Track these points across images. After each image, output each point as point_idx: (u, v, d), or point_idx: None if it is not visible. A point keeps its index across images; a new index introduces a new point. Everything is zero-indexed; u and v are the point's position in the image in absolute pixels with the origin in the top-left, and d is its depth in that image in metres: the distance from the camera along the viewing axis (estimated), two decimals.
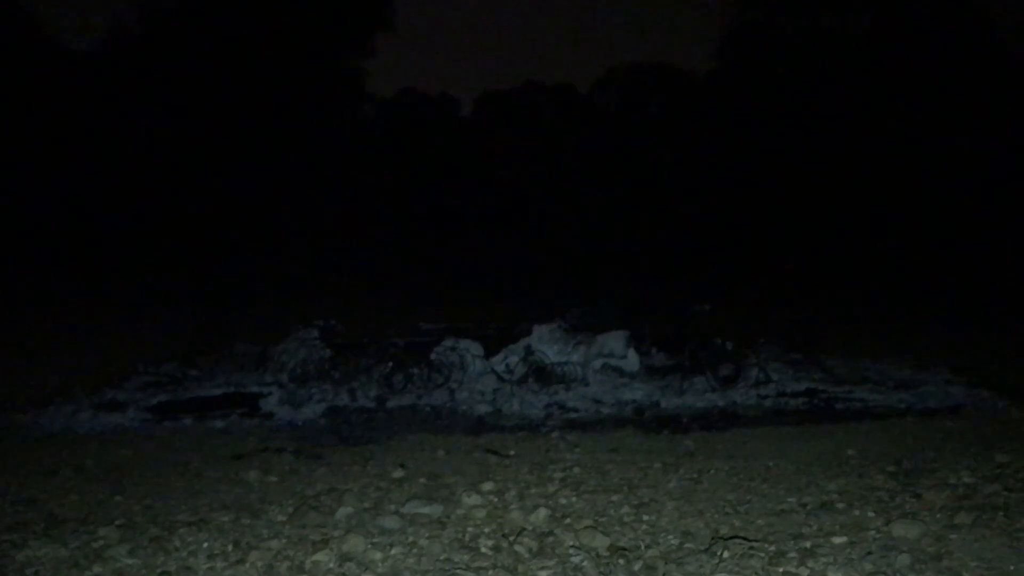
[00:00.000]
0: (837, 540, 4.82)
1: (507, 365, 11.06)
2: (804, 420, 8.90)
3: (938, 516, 5.21)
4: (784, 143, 30.61)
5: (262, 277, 22.89)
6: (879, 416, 9.02)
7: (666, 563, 4.60)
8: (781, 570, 4.46)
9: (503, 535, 5.06)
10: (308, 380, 10.85)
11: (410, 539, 5.02)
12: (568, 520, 5.33)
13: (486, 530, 5.18)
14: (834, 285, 22.24)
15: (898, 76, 29.37)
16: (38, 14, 29.77)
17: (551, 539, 4.98)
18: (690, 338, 11.48)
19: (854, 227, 27.93)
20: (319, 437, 8.35)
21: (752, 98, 32.23)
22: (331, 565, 4.65)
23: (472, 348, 11.21)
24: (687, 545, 4.85)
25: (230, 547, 4.92)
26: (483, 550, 4.84)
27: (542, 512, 5.39)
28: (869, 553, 4.61)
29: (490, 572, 4.57)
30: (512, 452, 7.39)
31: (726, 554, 4.63)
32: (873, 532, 4.95)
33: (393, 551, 4.83)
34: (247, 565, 4.65)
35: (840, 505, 5.51)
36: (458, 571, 4.56)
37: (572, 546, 4.84)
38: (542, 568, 4.58)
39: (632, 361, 11.20)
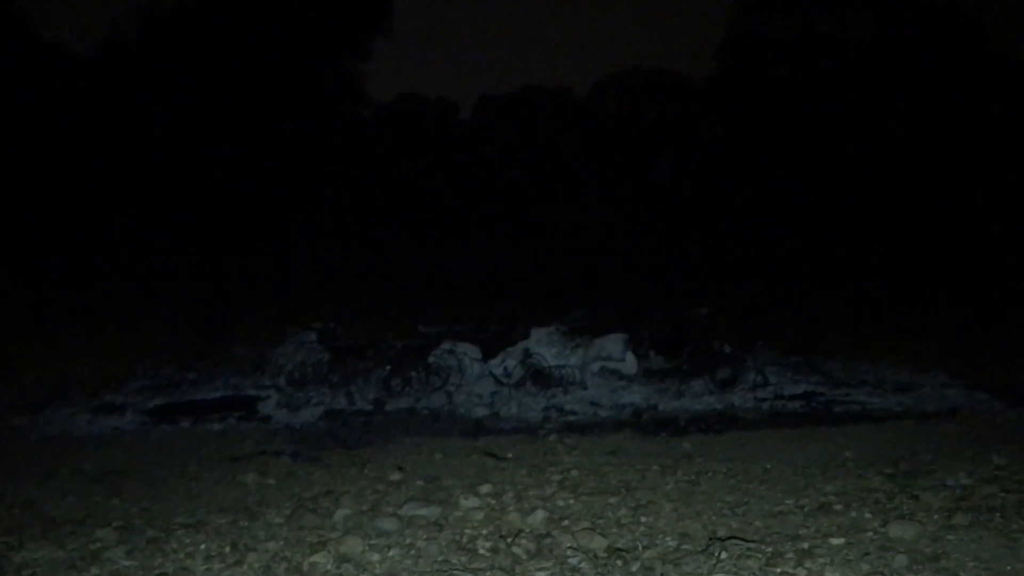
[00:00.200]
0: (834, 541, 4.83)
1: (505, 368, 11.06)
2: (802, 423, 8.91)
3: (935, 517, 5.21)
4: (782, 147, 30.67)
5: (260, 280, 22.89)
6: (877, 419, 9.02)
7: (664, 564, 4.60)
8: (779, 571, 4.46)
9: (501, 537, 5.06)
10: (306, 383, 10.84)
11: (408, 541, 5.02)
12: (566, 522, 5.33)
13: (484, 532, 5.18)
14: (832, 288, 22.26)
15: (896, 80, 29.44)
16: (36, 18, 29.81)
17: (549, 540, 4.98)
18: (688, 341, 11.50)
19: (852, 230, 27.98)
20: (317, 440, 8.34)
21: (750, 102, 32.28)
22: (329, 566, 4.65)
23: (470, 351, 11.21)
24: (685, 546, 4.86)
25: (228, 549, 4.92)
26: (481, 552, 4.84)
27: (540, 514, 5.39)
28: (866, 554, 4.62)
29: (488, 573, 4.57)
30: (510, 455, 7.39)
31: (724, 555, 4.63)
32: (870, 533, 4.96)
33: (391, 552, 4.83)
34: (245, 567, 4.65)
35: (837, 507, 5.51)
36: (456, 572, 4.57)
37: (570, 547, 4.84)
38: (540, 569, 4.58)
39: (630, 364, 11.20)
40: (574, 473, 6.61)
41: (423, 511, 5.55)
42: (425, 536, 5.09)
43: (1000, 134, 28.10)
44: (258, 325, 14.41)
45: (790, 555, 4.64)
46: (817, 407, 9.79)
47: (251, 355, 12.44)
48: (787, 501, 5.72)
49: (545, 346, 11.23)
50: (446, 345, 11.22)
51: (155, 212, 27.23)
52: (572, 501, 5.82)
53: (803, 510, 5.49)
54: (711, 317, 12.81)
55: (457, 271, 26.86)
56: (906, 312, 18.33)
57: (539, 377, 10.81)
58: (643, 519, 5.39)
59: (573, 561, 4.66)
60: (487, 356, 11.29)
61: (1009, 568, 4.43)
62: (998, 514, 5.25)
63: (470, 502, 5.73)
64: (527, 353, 11.09)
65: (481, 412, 9.68)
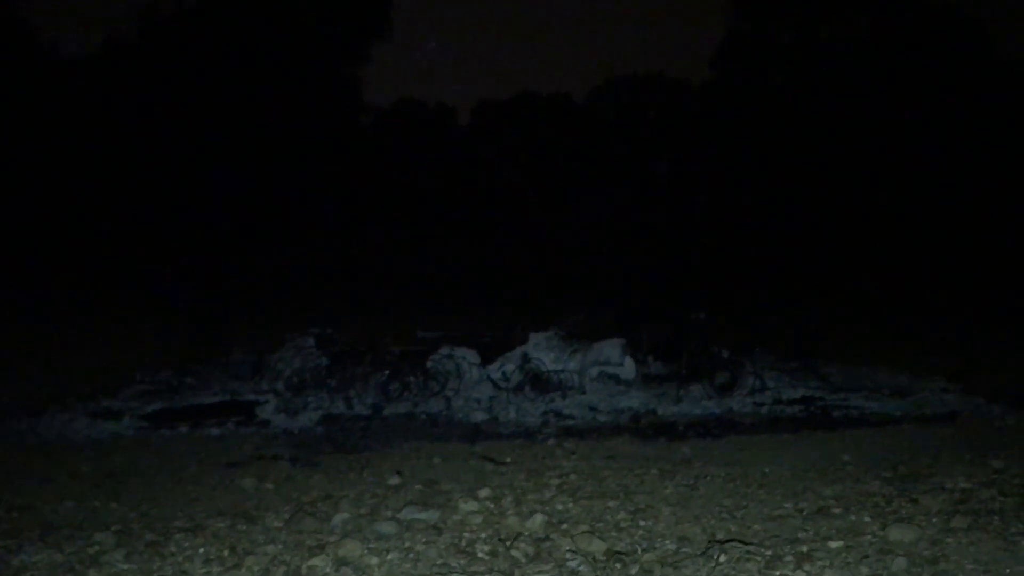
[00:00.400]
0: (833, 544, 4.82)
1: (503, 373, 11.07)
2: (800, 427, 8.93)
3: (934, 520, 5.21)
4: (780, 152, 30.71)
5: (258, 285, 22.88)
6: (875, 423, 9.04)
7: (663, 567, 4.60)
8: (778, 574, 4.46)
9: (500, 540, 5.06)
10: (304, 388, 10.86)
11: (406, 544, 5.01)
12: (565, 525, 5.33)
13: (483, 535, 5.18)
14: (830, 293, 22.27)
15: (894, 85, 29.50)
16: (35, 23, 29.85)
17: (548, 544, 4.98)
18: (686, 346, 11.51)
19: (850, 235, 28.01)
20: (315, 445, 8.34)
21: (748, 107, 32.34)
22: (327, 570, 4.64)
23: (468, 356, 11.22)
24: (684, 550, 4.86)
25: (226, 552, 4.92)
26: (480, 555, 4.83)
27: (539, 518, 5.38)
28: (865, 557, 4.62)
29: None
30: (508, 459, 7.39)
31: (723, 558, 4.63)
32: (869, 536, 4.96)
33: (389, 556, 4.82)
34: (243, 570, 4.65)
35: (836, 510, 5.51)
36: (454, 575, 4.57)
37: (569, 551, 4.84)
38: (539, 572, 4.57)
39: (628, 369, 11.21)
40: (573, 477, 6.61)
41: (422, 515, 5.54)
42: (424, 540, 5.09)
43: (998, 138, 28.15)
44: (256, 330, 14.40)
45: (789, 558, 4.64)
46: (815, 412, 9.81)
47: (249, 360, 12.44)
48: (786, 505, 5.71)
49: (543, 351, 11.24)
50: (444, 350, 11.23)
51: (154, 217, 27.22)
52: (571, 505, 5.81)
53: (802, 513, 5.49)
54: (709, 322, 12.80)
55: (455, 276, 26.87)
56: (904, 317, 18.35)
57: (537, 382, 10.82)
58: (642, 523, 5.39)
59: (572, 564, 4.66)
60: (485, 361, 11.31)
61: (1008, 571, 4.43)
62: (996, 517, 5.25)
63: (469, 506, 5.72)
64: (525, 358, 11.10)
65: (479, 417, 9.69)
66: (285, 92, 30.25)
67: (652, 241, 32.20)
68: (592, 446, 8.00)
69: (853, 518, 5.34)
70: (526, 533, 5.20)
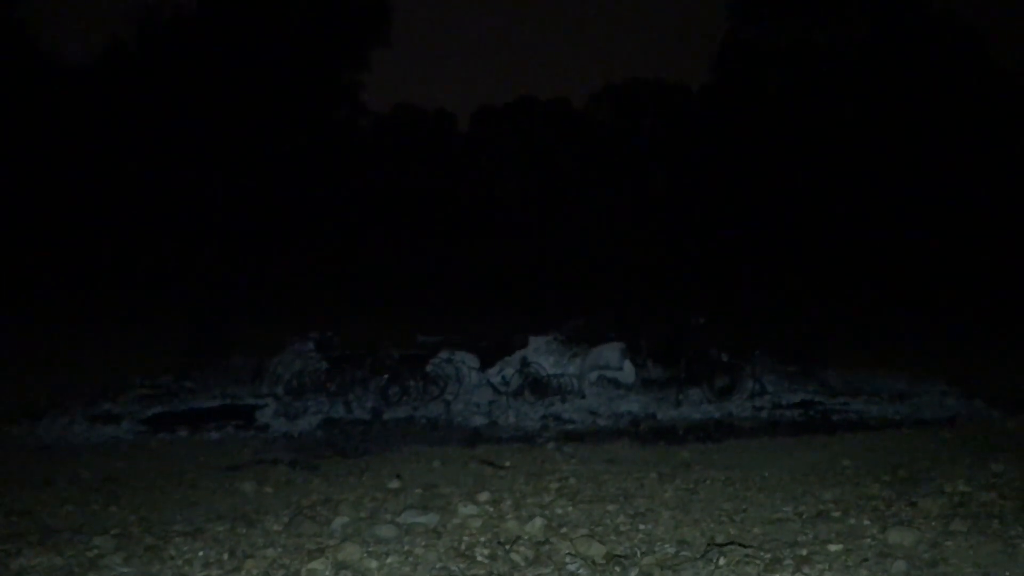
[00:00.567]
0: (833, 548, 4.82)
1: (503, 377, 11.07)
2: (800, 431, 8.94)
3: (934, 524, 5.21)
4: (778, 157, 30.74)
5: (258, 289, 22.88)
6: (874, 427, 9.06)
7: (662, 570, 4.59)
8: None
9: (499, 544, 5.05)
10: (304, 392, 10.86)
11: (406, 548, 5.01)
12: (564, 529, 5.32)
13: (482, 539, 5.17)
14: (829, 297, 22.28)
15: (892, 90, 29.55)
16: (35, 31, 29.88)
17: (547, 547, 4.97)
18: (686, 350, 11.51)
19: (849, 239, 28.03)
20: (315, 449, 8.34)
21: (747, 112, 32.38)
22: (327, 573, 4.63)
23: (468, 360, 11.22)
24: (683, 553, 4.85)
25: (226, 556, 4.91)
26: (479, 558, 4.83)
27: (538, 521, 5.38)
28: (865, 560, 4.62)
29: None
30: (508, 463, 7.38)
31: (722, 561, 4.63)
32: (869, 540, 4.96)
33: (389, 559, 4.82)
34: (243, 573, 4.64)
35: (836, 513, 5.51)
36: None
37: (568, 554, 4.83)
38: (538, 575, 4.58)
39: (628, 373, 11.22)
40: (572, 481, 6.61)
41: (421, 519, 5.54)
42: (423, 543, 5.08)
43: (997, 143, 28.20)
44: (256, 334, 14.39)
45: (788, 561, 4.64)
46: (815, 415, 9.82)
47: (249, 364, 12.43)
48: (785, 508, 5.72)
49: (543, 355, 11.24)
50: (444, 354, 11.23)
51: (153, 222, 27.25)
52: (570, 508, 5.81)
53: (801, 517, 5.49)
54: (709, 326, 12.80)
55: (455, 280, 26.87)
56: (903, 321, 18.37)
57: (537, 386, 10.82)
58: (641, 526, 5.39)
59: (571, 567, 4.65)
60: (485, 365, 11.30)
61: (1007, 573, 4.43)
62: (996, 520, 5.26)
63: (468, 509, 5.72)
64: (525, 362, 11.10)
65: (479, 421, 9.69)
66: (285, 97, 30.29)
67: (651, 245, 32.21)
68: (591, 450, 8.00)
69: (852, 521, 5.34)
70: (525, 537, 5.19)
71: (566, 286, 24.90)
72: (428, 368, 10.95)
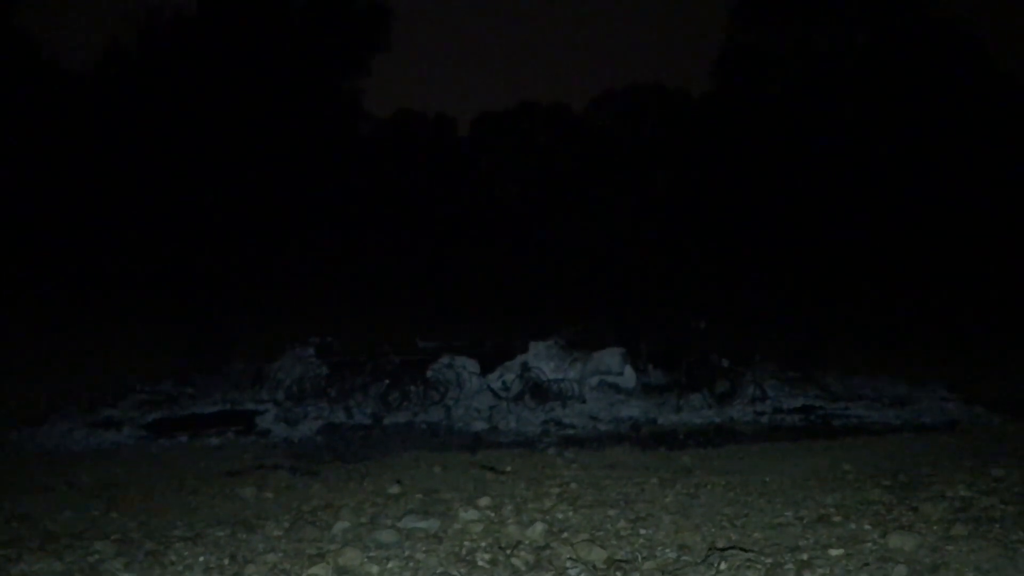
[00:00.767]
0: (834, 552, 4.82)
1: (503, 382, 11.08)
2: (800, 436, 8.94)
3: (935, 528, 5.21)
4: (779, 162, 30.77)
5: (259, 295, 22.88)
6: (875, 432, 9.05)
7: (663, 575, 4.59)
8: None
9: (500, 548, 5.05)
10: (304, 397, 10.86)
11: (407, 553, 5.00)
12: (565, 534, 5.32)
13: (483, 544, 5.17)
14: (830, 303, 22.28)
15: (892, 95, 29.59)
16: (36, 36, 29.94)
17: (548, 552, 4.97)
18: (686, 355, 11.51)
19: (849, 245, 28.04)
20: (315, 454, 8.34)
21: (747, 117, 32.42)
22: None
23: (468, 365, 11.23)
24: (684, 558, 4.85)
25: (226, 561, 4.91)
26: (480, 563, 4.83)
27: (539, 526, 5.38)
28: (866, 564, 4.61)
29: None
30: (509, 468, 7.38)
31: (723, 566, 4.62)
32: (870, 544, 4.95)
33: (390, 565, 4.81)
34: None
35: (837, 518, 5.51)
36: None
37: (569, 559, 4.83)
38: None
39: (628, 378, 11.22)
40: (573, 486, 6.61)
41: (422, 524, 5.54)
42: (424, 548, 5.08)
43: (997, 148, 28.22)
44: (256, 339, 14.41)
45: (789, 566, 4.63)
46: (815, 421, 9.82)
47: (249, 369, 12.44)
48: (786, 513, 5.71)
49: (543, 360, 11.25)
50: (444, 359, 11.24)
51: (153, 228, 27.26)
52: (571, 514, 5.81)
53: (802, 522, 5.49)
54: (709, 331, 12.80)
55: (455, 285, 26.87)
56: (904, 327, 18.36)
57: (537, 391, 10.82)
58: (642, 531, 5.38)
59: (572, 573, 4.65)
60: (485, 370, 11.31)
61: None
62: (997, 525, 5.25)
63: (469, 515, 5.71)
64: (525, 367, 11.11)
65: (480, 426, 9.69)
66: (285, 103, 30.33)
67: (651, 250, 32.22)
68: (592, 455, 8.00)
69: (853, 526, 5.34)
70: (526, 542, 5.19)
71: (566, 291, 24.90)
72: (428, 373, 10.96)
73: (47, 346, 15.13)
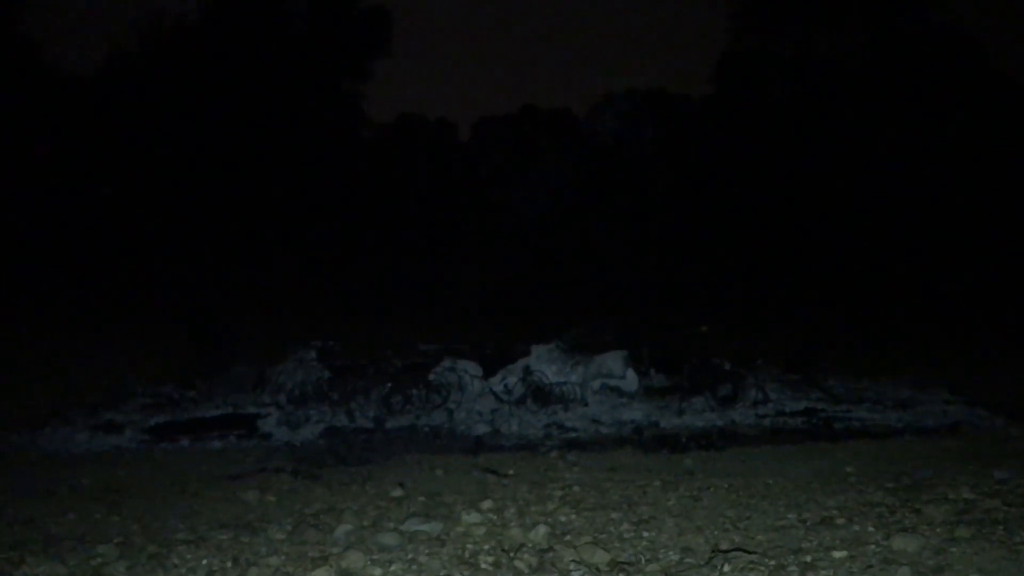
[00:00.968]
0: (837, 554, 4.81)
1: (506, 385, 11.07)
2: (803, 439, 8.93)
3: (938, 530, 5.20)
4: (780, 166, 30.79)
5: (260, 299, 22.89)
6: (877, 435, 9.04)
7: None
8: None
9: (503, 551, 5.05)
10: (306, 401, 10.85)
11: (409, 556, 5.00)
12: (568, 537, 5.32)
13: (485, 547, 5.17)
14: (832, 306, 22.27)
15: (893, 99, 29.60)
16: (38, 40, 29.98)
17: (551, 555, 4.97)
18: (688, 358, 11.51)
19: (851, 248, 28.03)
20: (318, 457, 8.33)
21: (748, 122, 32.44)
22: None
23: (470, 368, 11.22)
24: (687, 560, 4.85)
25: (229, 564, 4.91)
26: (483, 566, 4.82)
27: (542, 529, 5.37)
28: (869, 566, 4.61)
29: None
30: (511, 471, 7.38)
31: (727, 567, 4.62)
32: (873, 546, 4.95)
33: (392, 567, 4.81)
34: None
35: (840, 521, 5.50)
36: None
37: (572, 561, 4.83)
38: None
39: (631, 381, 11.21)
40: (576, 489, 6.60)
41: (425, 526, 5.53)
42: (427, 551, 5.07)
43: (998, 152, 28.23)
44: (258, 343, 14.40)
45: (793, 568, 4.63)
46: (818, 423, 9.80)
47: (251, 373, 12.43)
48: (789, 515, 5.70)
49: (546, 363, 11.23)
50: (446, 363, 11.23)
51: (155, 232, 27.29)
52: (574, 516, 5.80)
53: (805, 524, 5.48)
54: (711, 335, 12.81)
55: (457, 289, 26.86)
56: (906, 329, 18.35)
57: (540, 394, 10.81)
58: (645, 534, 5.38)
59: (575, 575, 4.65)
60: (487, 373, 11.30)
61: None
62: (1000, 527, 5.24)
63: (472, 517, 5.71)
64: (528, 370, 11.10)
65: (482, 429, 9.68)
66: (287, 108, 30.38)
67: (653, 254, 32.22)
68: (595, 458, 7.99)
69: (857, 528, 5.33)
70: (529, 544, 5.19)
71: (568, 294, 24.90)
72: (431, 377, 10.96)
73: (49, 349, 15.14)
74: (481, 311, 21.43)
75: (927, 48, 30.25)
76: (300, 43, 31.80)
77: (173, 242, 27.24)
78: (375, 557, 4.96)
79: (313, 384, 11.10)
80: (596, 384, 11.10)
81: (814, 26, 33.30)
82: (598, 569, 4.72)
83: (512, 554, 4.97)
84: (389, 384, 10.77)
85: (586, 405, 10.71)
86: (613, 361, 11.29)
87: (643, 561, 4.84)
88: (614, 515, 5.81)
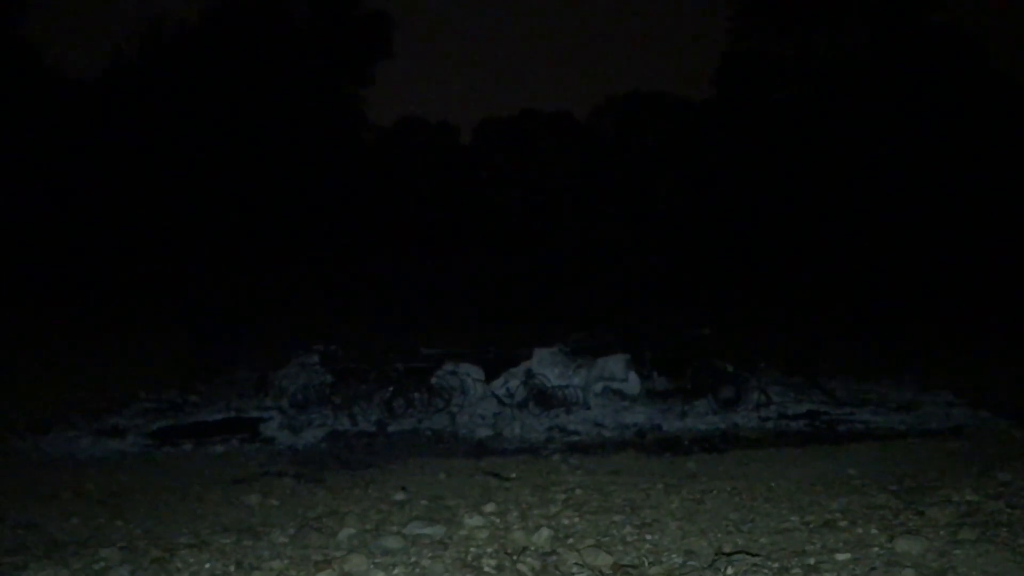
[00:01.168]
0: (840, 556, 4.81)
1: (508, 389, 11.05)
2: (806, 441, 8.91)
3: (942, 532, 5.20)
4: (781, 168, 30.79)
5: (262, 302, 22.91)
6: (881, 437, 9.01)
7: None
8: None
9: (506, 554, 5.05)
10: (308, 405, 10.84)
11: (412, 559, 5.00)
12: (571, 540, 5.32)
13: (488, 550, 5.17)
14: (834, 307, 22.26)
15: (893, 100, 29.60)
16: (39, 44, 30.06)
17: (554, 558, 4.97)
18: (691, 361, 11.48)
19: (853, 249, 28.02)
20: (320, 461, 8.33)
21: (749, 124, 32.46)
22: None
23: (473, 372, 11.20)
24: (690, 563, 4.84)
25: (232, 568, 4.91)
26: (486, 569, 4.83)
27: (545, 532, 5.37)
28: (873, 568, 4.61)
29: None
30: (514, 475, 7.37)
31: (730, 570, 4.62)
32: (876, 548, 4.94)
33: (395, 571, 4.81)
34: None
35: (843, 523, 5.50)
36: None
37: (575, 564, 4.83)
38: None
39: (633, 384, 11.19)
40: (578, 492, 6.60)
41: (427, 530, 5.53)
42: (430, 554, 5.08)
43: (1000, 153, 28.23)
44: (261, 347, 14.41)
45: (796, 570, 4.63)
46: (821, 426, 9.79)
47: (254, 377, 12.43)
48: (792, 518, 5.70)
49: (548, 367, 11.21)
50: (448, 366, 11.21)
51: (157, 235, 27.35)
52: (577, 519, 5.80)
53: (808, 527, 5.48)
54: (713, 337, 12.79)
55: (459, 293, 26.89)
56: (909, 331, 18.32)
57: (542, 397, 10.79)
58: (648, 537, 5.37)
59: None
60: (490, 377, 11.27)
61: None
62: (1004, 529, 5.24)
63: (474, 521, 5.71)
64: (530, 374, 11.08)
65: (484, 433, 9.67)
66: (289, 111, 30.42)
67: (655, 257, 32.23)
68: (597, 461, 7.98)
69: (860, 531, 5.33)
70: (532, 547, 5.19)
71: (570, 298, 24.91)
72: (433, 380, 10.94)
73: (52, 354, 15.16)
74: (483, 314, 21.43)
75: (928, 49, 30.26)
76: (302, 46, 31.88)
77: (176, 246, 27.27)
78: (378, 560, 4.96)
79: (315, 388, 11.09)
80: (598, 387, 11.08)
81: (814, 27, 33.35)
82: (601, 572, 4.72)
83: (515, 557, 4.97)
84: (391, 388, 10.76)
85: (588, 408, 10.68)
86: (615, 364, 11.27)
87: (646, 564, 4.84)
88: (617, 518, 5.80)
